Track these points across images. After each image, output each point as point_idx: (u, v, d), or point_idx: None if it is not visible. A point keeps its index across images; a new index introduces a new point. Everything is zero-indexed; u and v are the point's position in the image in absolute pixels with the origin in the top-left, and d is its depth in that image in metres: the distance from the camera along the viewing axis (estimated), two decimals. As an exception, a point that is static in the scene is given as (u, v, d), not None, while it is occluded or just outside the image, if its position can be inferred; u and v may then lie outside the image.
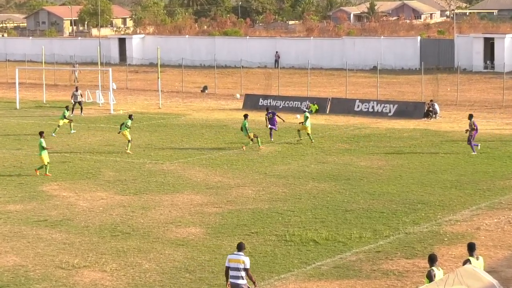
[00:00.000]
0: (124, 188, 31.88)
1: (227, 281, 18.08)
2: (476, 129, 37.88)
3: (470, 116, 38.38)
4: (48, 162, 34.24)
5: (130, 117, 40.17)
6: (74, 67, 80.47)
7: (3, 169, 35.93)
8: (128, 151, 39.22)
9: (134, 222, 26.82)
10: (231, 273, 17.92)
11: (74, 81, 77.04)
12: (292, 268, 21.94)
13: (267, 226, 26.01)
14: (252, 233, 25.26)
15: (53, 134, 44.48)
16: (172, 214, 27.83)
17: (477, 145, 38.20)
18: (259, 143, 39.93)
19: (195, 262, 22.50)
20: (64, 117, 45.14)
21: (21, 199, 30.29)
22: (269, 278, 20.98)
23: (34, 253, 23.59)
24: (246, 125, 39.49)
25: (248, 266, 17.91)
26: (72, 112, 51.94)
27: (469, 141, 37.95)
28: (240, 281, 17.88)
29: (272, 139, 42.15)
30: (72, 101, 54.59)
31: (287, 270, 21.76)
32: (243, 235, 24.89)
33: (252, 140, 39.82)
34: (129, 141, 39.33)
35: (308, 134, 41.49)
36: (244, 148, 39.79)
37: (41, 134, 35.04)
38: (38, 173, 34.22)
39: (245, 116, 40.06)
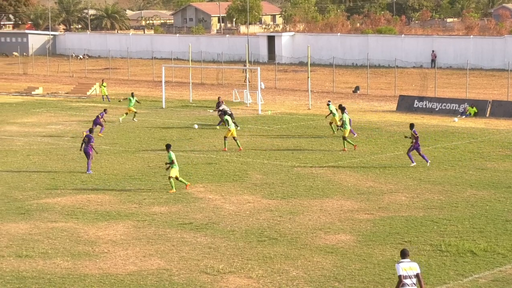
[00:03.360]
0: (271, 191, 31.47)
1: None
2: (417, 139, 35.33)
3: (411, 126, 35.90)
4: (176, 177, 31.43)
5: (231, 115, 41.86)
6: (244, 66, 79.61)
7: (148, 170, 35.89)
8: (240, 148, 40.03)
9: (282, 227, 26.35)
10: (407, 281, 17.36)
11: (245, 81, 75.31)
12: (447, 280, 21.10)
13: (422, 235, 25.17)
14: (405, 242, 24.48)
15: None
16: (321, 219, 27.22)
17: (427, 160, 35.77)
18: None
19: (344, 271, 21.89)
20: None
21: (166, 201, 30.18)
22: (423, 290, 20.00)
23: (179, 257, 23.40)
24: None
25: (420, 271, 17.49)
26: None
27: (408, 151, 35.81)
28: None
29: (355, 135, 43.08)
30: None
31: (442, 282, 20.95)
32: (396, 244, 24.20)
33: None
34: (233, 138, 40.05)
35: (330, 123, 44.45)
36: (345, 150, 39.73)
37: (168, 147, 31.67)
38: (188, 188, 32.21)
39: None
